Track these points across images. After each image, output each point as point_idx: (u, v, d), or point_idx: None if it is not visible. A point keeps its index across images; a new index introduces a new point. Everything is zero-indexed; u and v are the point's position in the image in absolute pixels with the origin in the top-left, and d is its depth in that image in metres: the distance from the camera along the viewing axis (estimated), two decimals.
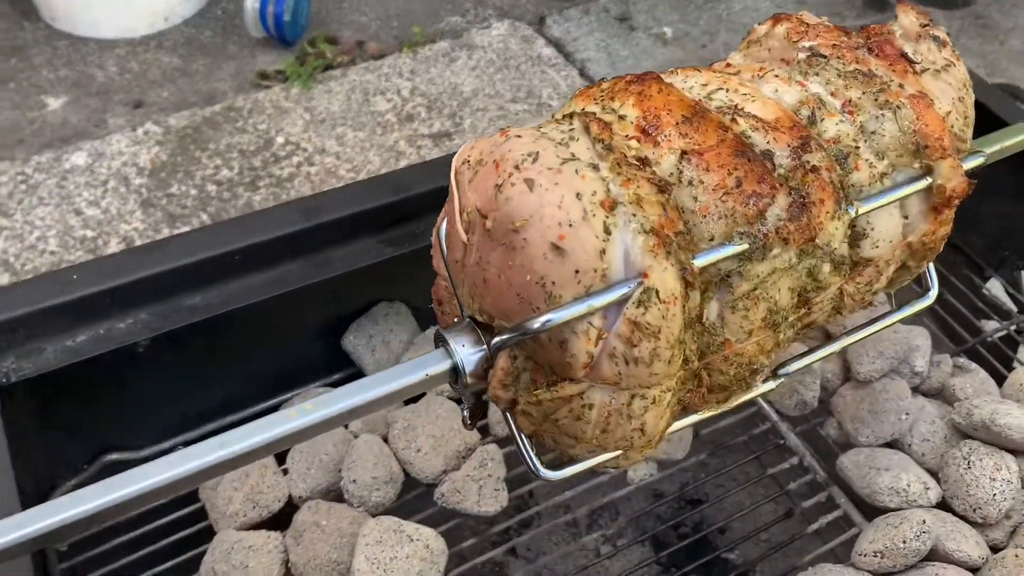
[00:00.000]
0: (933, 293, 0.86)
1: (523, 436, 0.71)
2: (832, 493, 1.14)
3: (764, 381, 0.76)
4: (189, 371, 1.12)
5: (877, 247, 0.73)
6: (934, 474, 1.12)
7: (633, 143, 0.67)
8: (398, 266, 1.14)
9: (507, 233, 0.63)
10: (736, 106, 0.71)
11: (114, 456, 1.11)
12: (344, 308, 1.19)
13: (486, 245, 0.65)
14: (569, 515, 1.15)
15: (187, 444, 1.11)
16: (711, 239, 0.65)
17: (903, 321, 0.88)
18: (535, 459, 0.70)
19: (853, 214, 0.70)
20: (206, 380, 1.13)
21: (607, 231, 0.61)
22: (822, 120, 0.72)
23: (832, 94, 0.73)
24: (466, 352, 0.68)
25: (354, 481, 1.04)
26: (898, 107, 0.72)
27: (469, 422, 0.74)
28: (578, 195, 0.62)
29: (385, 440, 1.09)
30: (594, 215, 0.61)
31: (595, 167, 0.63)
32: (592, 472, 1.11)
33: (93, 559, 1.05)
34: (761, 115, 0.70)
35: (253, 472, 1.06)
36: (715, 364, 0.68)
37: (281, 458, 1.09)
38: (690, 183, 0.65)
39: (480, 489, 1.07)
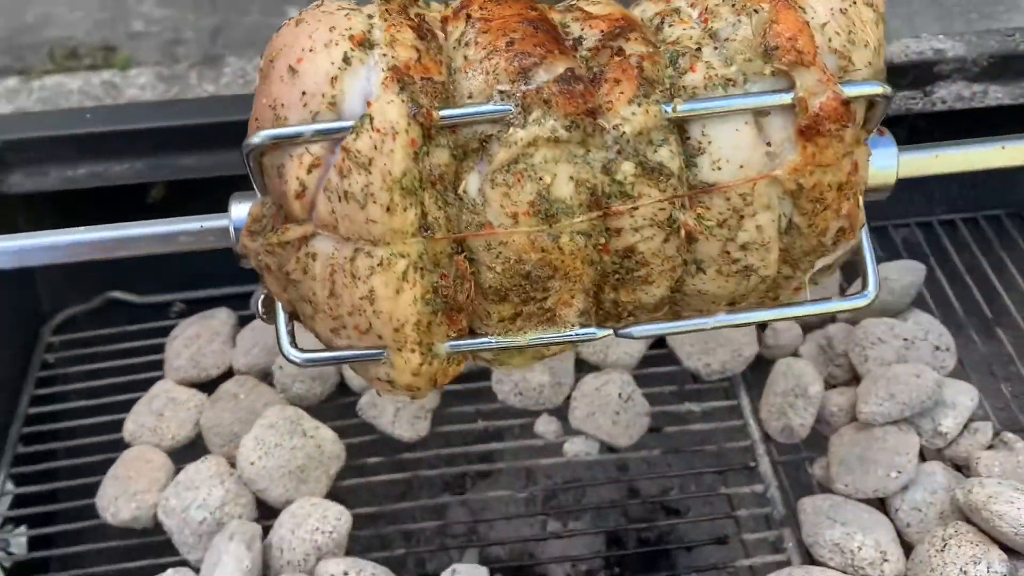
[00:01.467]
0: (870, 293, 0.70)
1: (281, 310, 0.68)
2: (783, 535, 0.98)
3: (587, 326, 0.66)
4: None
5: (720, 168, 0.62)
6: (910, 550, 0.93)
7: (436, 17, 0.65)
8: None
9: (267, 66, 0.63)
10: (573, 4, 0.65)
11: (117, 294, 1.21)
12: None
13: (258, 87, 0.64)
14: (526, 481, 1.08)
15: (186, 302, 1.19)
16: (470, 96, 0.60)
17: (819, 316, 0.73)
18: (286, 336, 0.67)
19: (669, 112, 0.60)
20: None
21: (346, 61, 0.60)
22: (670, 26, 0.63)
23: (691, 5, 0.64)
24: (242, 208, 0.67)
25: (281, 367, 1.06)
26: (755, 11, 0.61)
27: (262, 308, 0.71)
28: (332, 28, 0.61)
29: None
30: (336, 44, 0.60)
31: (370, 16, 0.63)
32: (546, 448, 1.04)
33: (69, 374, 1.16)
34: (592, 10, 0.64)
35: (204, 335, 1.11)
36: (478, 254, 0.61)
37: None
38: (466, 44, 0.62)
39: (398, 411, 1.04)
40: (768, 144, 0.61)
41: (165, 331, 1.18)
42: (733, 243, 0.63)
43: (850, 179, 0.64)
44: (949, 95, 1.14)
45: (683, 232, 0.62)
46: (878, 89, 0.62)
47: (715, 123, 0.61)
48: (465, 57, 0.61)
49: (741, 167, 0.61)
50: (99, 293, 1.21)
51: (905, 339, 1.05)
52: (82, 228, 0.71)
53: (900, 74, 1.12)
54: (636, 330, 0.67)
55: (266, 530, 0.95)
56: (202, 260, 1.19)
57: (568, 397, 1.07)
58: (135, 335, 1.18)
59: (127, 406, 1.08)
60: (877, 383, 1.00)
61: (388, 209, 0.59)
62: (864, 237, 0.69)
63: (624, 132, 0.60)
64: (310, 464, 0.98)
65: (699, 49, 0.62)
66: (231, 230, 0.68)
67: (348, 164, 0.58)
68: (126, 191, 1.14)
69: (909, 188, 1.31)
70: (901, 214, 1.28)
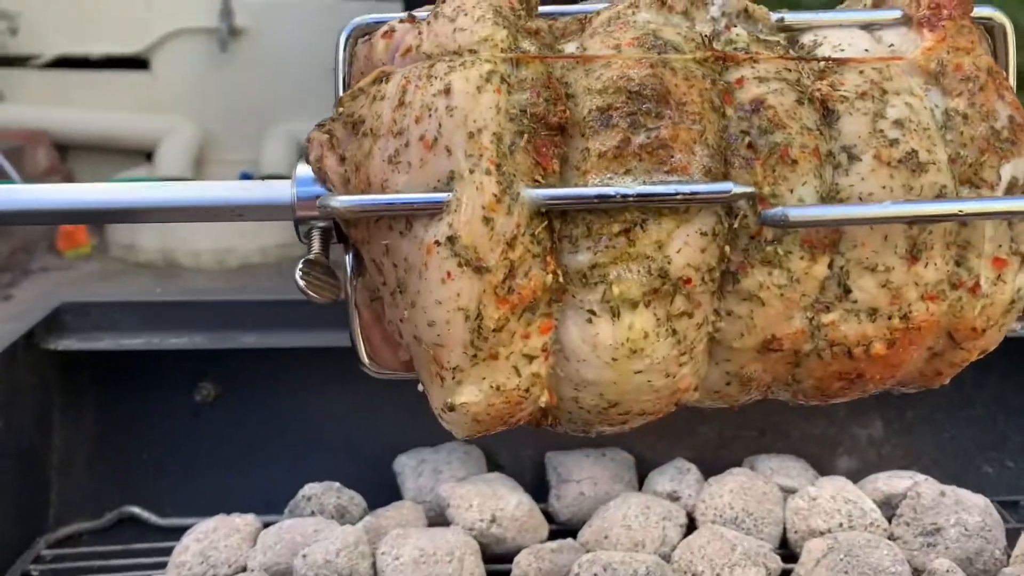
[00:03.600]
0: None
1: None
2: None
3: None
4: (237, 444, 1.06)
5: (843, 50, 0.55)
6: None
7: None
8: None
9: None
10: None
11: (135, 510, 1.05)
12: (410, 432, 1.06)
13: None
14: None
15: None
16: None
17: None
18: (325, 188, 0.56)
19: (776, 17, 0.56)
20: (252, 461, 1.06)
21: None
22: None
23: None
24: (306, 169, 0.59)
25: (304, 556, 0.85)
26: None
27: (302, 270, 0.57)
28: None
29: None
30: None
31: None
32: None
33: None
34: None
35: (222, 529, 0.92)
36: (576, 85, 0.52)
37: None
38: None
39: None
40: (891, 45, 0.56)
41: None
42: (883, 119, 0.53)
43: (998, 70, 0.55)
44: None
45: (817, 100, 0.52)
46: (991, 12, 0.57)
47: (827, 29, 0.56)
48: None
49: (865, 50, 0.55)
50: (114, 508, 1.05)
51: None
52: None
53: None
54: (794, 211, 0.51)
55: None
56: (233, 479, 1.06)
57: None
58: (142, 553, 0.99)
59: None
60: None
61: (478, 20, 0.51)
62: None
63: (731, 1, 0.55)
64: None
65: None
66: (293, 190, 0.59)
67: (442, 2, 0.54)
68: (177, 388, 1.06)
69: None
70: None
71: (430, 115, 0.51)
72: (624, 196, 0.50)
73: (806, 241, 0.52)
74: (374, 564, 0.87)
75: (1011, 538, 0.94)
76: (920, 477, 0.99)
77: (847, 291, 0.54)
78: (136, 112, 4.32)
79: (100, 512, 1.05)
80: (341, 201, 0.52)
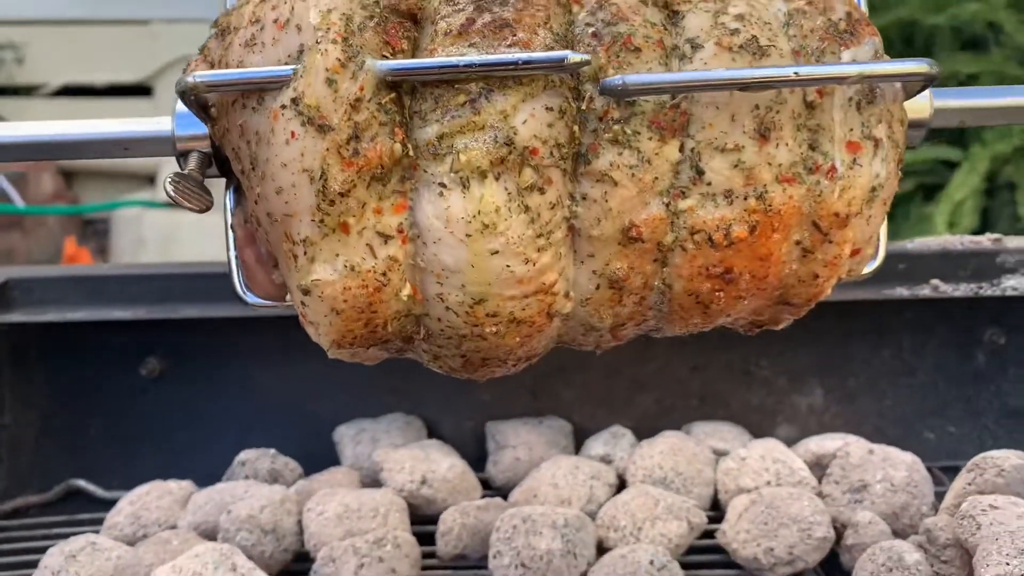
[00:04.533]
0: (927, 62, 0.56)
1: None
2: None
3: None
4: (182, 419, 1.08)
5: None
6: None
7: None
8: (433, 383, 1.05)
9: None
10: None
11: (81, 483, 1.06)
12: (353, 406, 1.08)
13: None
14: None
15: None
16: None
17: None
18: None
19: None
20: (197, 435, 1.07)
21: None
22: None
23: None
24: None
25: (229, 512, 0.86)
26: None
27: (172, 180, 0.59)
28: None
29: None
30: None
31: None
32: None
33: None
34: None
35: (155, 492, 0.93)
36: None
37: None
38: None
39: (360, 568, 0.81)
40: None
41: None
42: (725, 15, 0.56)
43: None
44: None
45: (661, 2, 0.54)
46: None
47: None
48: None
49: None
50: (61, 482, 1.07)
51: None
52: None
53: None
54: (631, 78, 0.53)
55: None
56: (178, 452, 1.08)
57: (584, 574, 0.82)
58: (83, 523, 1.00)
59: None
60: (998, 540, 0.74)
61: None
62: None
63: None
64: None
65: None
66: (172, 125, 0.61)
67: None
68: (123, 364, 1.08)
69: None
70: None
71: (285, 1, 0.54)
72: (466, 64, 0.52)
73: (654, 122, 0.54)
74: (300, 522, 0.89)
75: None
76: (852, 438, 0.99)
77: (700, 173, 0.55)
78: None
79: (47, 486, 1.06)
80: (195, 76, 0.55)
